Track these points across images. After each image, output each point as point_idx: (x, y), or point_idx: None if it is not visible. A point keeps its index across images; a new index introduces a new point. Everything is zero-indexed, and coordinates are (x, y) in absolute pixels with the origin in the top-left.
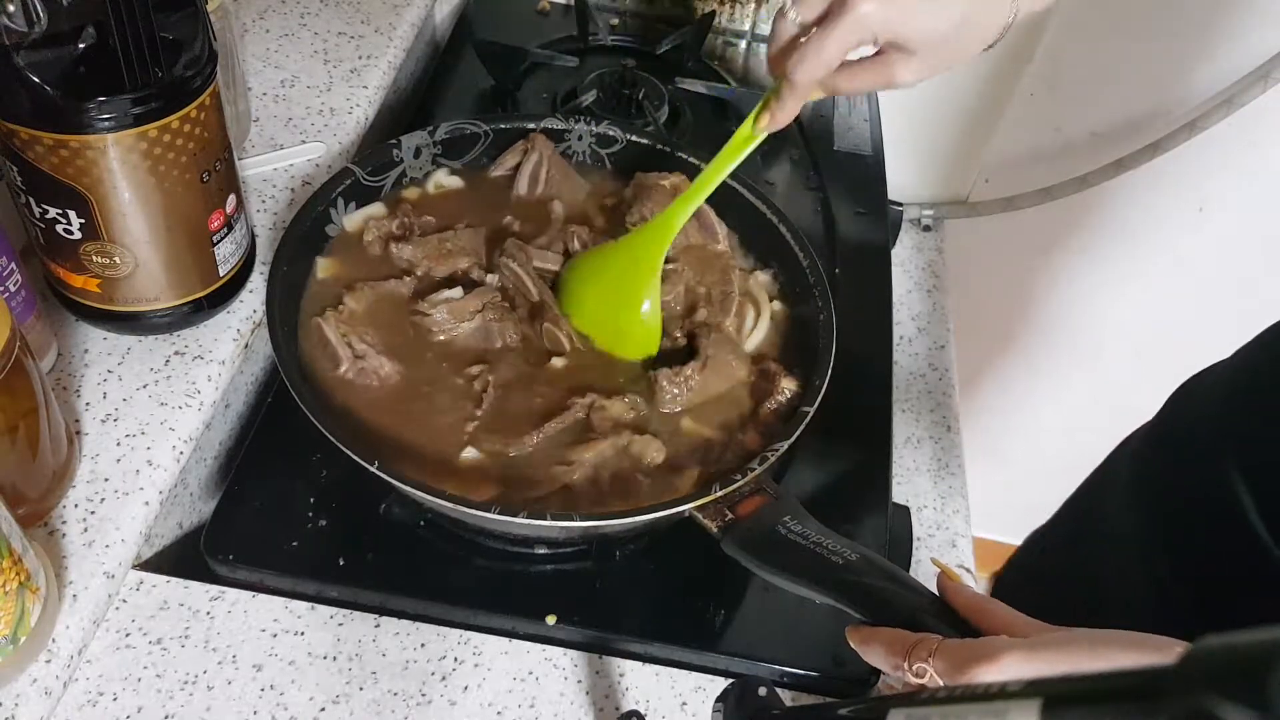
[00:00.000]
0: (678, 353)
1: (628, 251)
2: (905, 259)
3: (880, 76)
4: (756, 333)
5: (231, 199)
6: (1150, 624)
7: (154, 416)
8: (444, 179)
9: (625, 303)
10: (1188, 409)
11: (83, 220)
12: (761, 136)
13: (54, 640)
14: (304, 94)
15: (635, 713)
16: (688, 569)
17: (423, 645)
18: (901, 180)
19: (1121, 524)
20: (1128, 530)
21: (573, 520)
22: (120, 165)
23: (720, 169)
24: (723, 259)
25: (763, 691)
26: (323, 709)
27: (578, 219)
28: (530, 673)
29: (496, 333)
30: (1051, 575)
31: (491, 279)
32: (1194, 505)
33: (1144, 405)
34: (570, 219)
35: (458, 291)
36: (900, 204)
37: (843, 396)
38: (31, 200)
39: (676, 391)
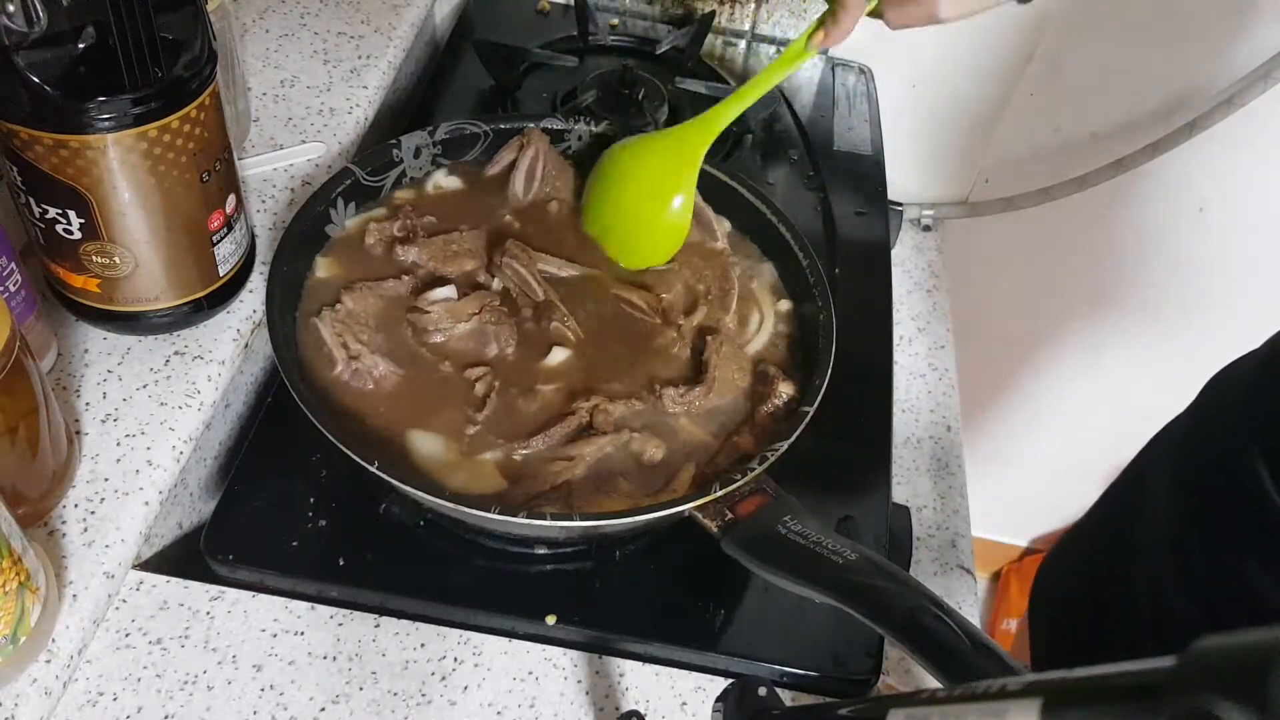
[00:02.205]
0: (682, 364)
1: (670, 143)
2: (905, 259)
3: (923, 10)
4: (760, 335)
5: (231, 199)
6: (1179, 606)
7: (154, 416)
8: (443, 179)
9: (656, 194)
10: (1218, 397)
11: (83, 220)
12: (812, 54)
13: (54, 640)
14: (304, 94)
15: (635, 713)
16: (688, 569)
17: (423, 645)
18: (901, 180)
19: (1157, 510)
20: (1163, 516)
21: (572, 520)
22: (120, 165)
23: (769, 79)
24: (721, 257)
25: (763, 691)
26: (323, 709)
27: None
28: (530, 673)
29: (493, 336)
30: (1089, 563)
31: (495, 282)
32: (1222, 489)
33: (1144, 405)
34: (570, 218)
35: (451, 290)
36: (900, 204)
37: (843, 396)
38: (31, 200)
39: (682, 409)
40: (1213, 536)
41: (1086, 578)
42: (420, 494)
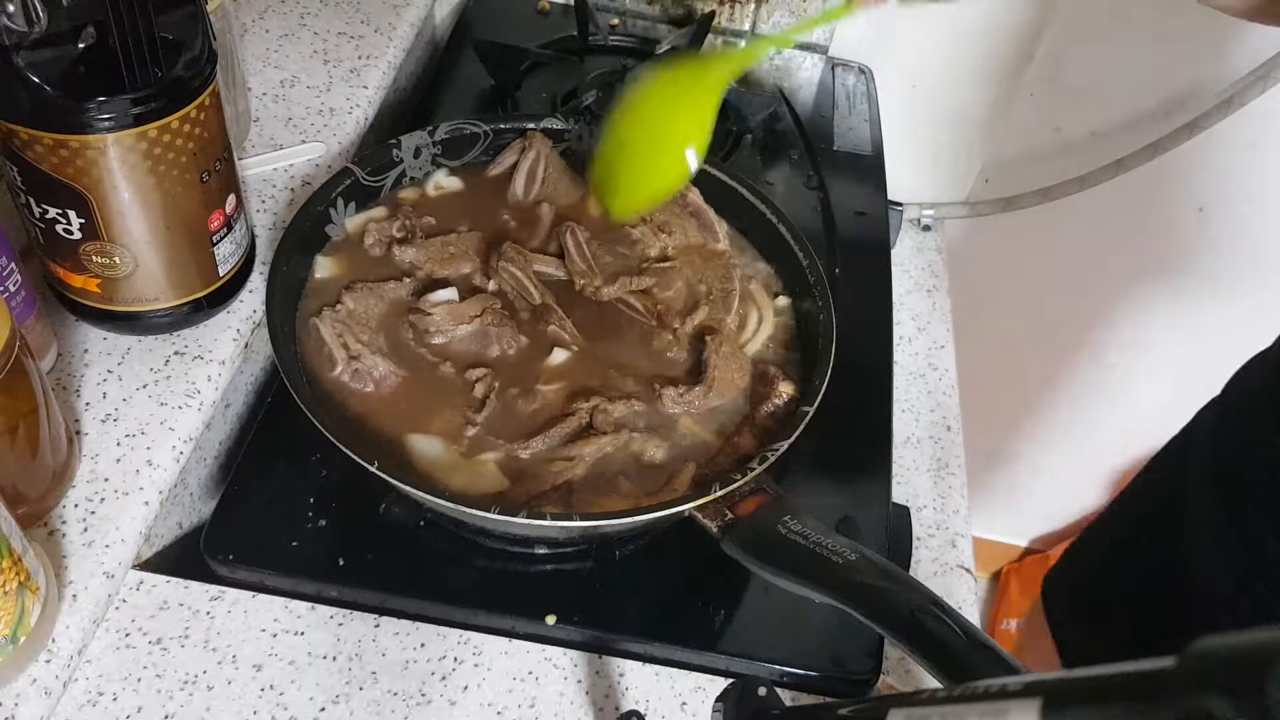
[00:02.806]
0: (682, 364)
1: (687, 72)
2: (905, 259)
3: None
4: (760, 335)
5: (231, 199)
6: (1228, 593)
7: (154, 416)
8: (443, 179)
9: (664, 116)
10: (1244, 384)
11: (83, 220)
12: (854, 11)
13: (54, 640)
14: (304, 94)
15: (635, 713)
16: (688, 569)
17: (422, 645)
18: (901, 180)
19: (1192, 496)
20: (1198, 501)
21: (572, 520)
22: (120, 165)
23: (806, 27)
24: (723, 258)
25: (763, 691)
26: (323, 709)
27: (575, 218)
28: (530, 673)
29: (494, 338)
30: (1124, 553)
31: (492, 284)
32: (1251, 472)
33: (1144, 404)
34: (568, 218)
35: (453, 292)
36: (900, 204)
37: (843, 396)
38: (31, 200)
39: (682, 409)
40: (1247, 516)
41: (1128, 561)
42: (420, 494)
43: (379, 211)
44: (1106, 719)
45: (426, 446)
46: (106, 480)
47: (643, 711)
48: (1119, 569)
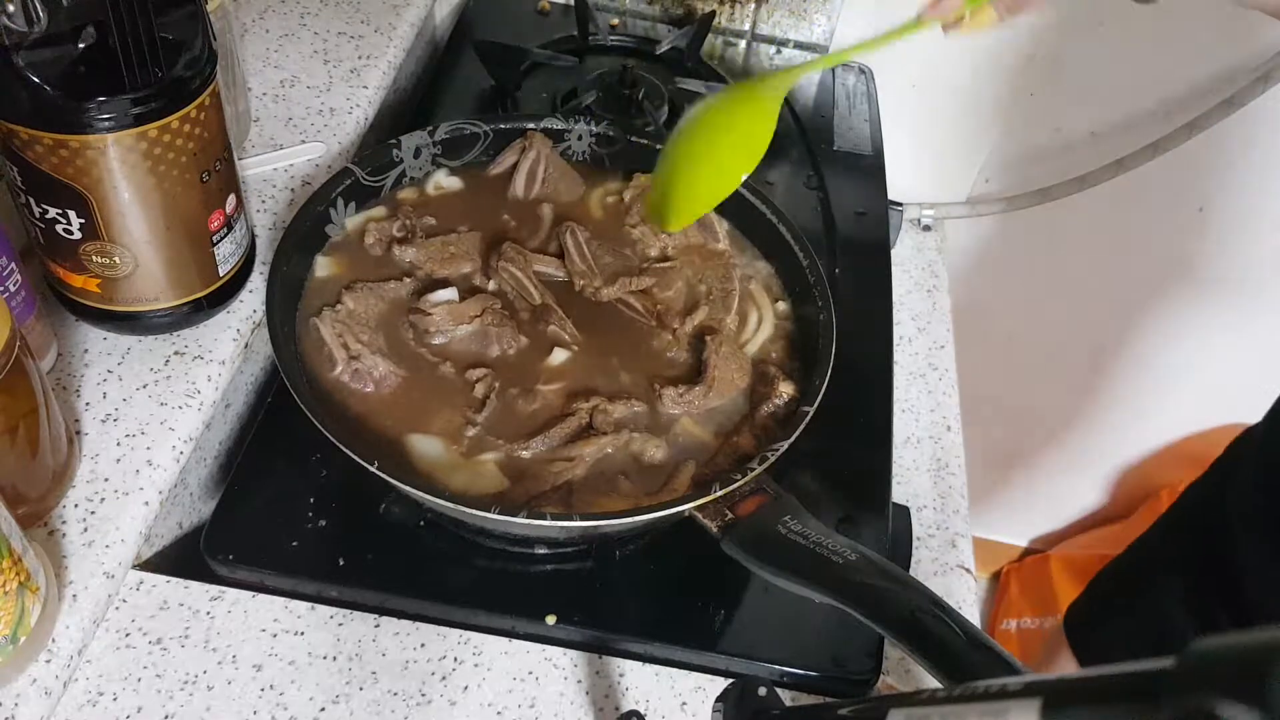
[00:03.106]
0: (682, 364)
1: (755, 85)
2: (905, 259)
3: None
4: (759, 335)
5: (231, 199)
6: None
7: (154, 416)
8: (443, 179)
9: (731, 126)
10: None
11: (83, 220)
12: (925, 26)
13: (54, 640)
14: (304, 94)
15: (635, 713)
16: (688, 569)
17: (422, 645)
18: (901, 180)
19: (1239, 517)
20: (1247, 522)
21: (572, 520)
22: (120, 165)
23: (873, 45)
24: (723, 258)
25: (763, 691)
26: (323, 709)
27: (575, 218)
28: (530, 673)
29: (494, 338)
30: (1170, 570)
31: (491, 284)
32: None
33: (1144, 405)
34: (568, 218)
35: (453, 292)
36: (900, 204)
37: (843, 396)
38: (31, 200)
39: (682, 409)
40: None
41: (1175, 575)
42: (420, 494)
43: (379, 211)
44: (1107, 719)
45: (426, 446)
46: (106, 480)
47: (643, 711)
48: (1165, 584)
